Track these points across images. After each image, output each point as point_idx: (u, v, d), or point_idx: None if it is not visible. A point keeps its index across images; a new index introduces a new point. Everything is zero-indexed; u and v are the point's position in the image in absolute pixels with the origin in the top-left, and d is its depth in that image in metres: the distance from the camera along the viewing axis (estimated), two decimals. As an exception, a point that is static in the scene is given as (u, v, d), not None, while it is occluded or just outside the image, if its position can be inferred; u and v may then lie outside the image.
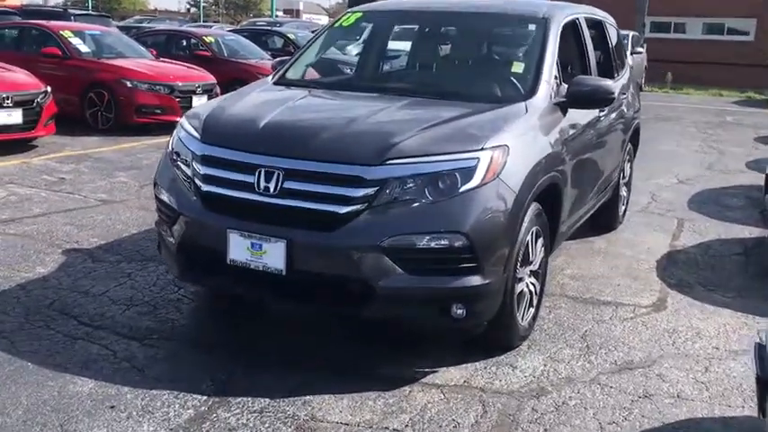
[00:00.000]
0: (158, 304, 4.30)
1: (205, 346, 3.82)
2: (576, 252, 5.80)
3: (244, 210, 3.46)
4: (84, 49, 11.16)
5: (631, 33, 21.20)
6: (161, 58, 12.24)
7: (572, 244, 5.94)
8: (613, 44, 6.10)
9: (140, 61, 11.39)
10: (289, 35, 17.50)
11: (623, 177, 6.40)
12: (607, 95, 4.28)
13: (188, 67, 11.76)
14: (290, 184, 3.37)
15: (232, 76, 12.61)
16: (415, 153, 3.37)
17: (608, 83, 4.30)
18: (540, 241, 4.00)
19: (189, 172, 3.69)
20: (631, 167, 6.71)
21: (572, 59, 5.10)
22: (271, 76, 4.84)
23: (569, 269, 5.38)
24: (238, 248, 3.42)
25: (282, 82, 4.67)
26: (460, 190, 3.32)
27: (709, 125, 14.48)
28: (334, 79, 5.09)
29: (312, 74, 5.10)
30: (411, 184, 3.31)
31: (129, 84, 10.44)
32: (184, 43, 14.25)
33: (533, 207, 3.75)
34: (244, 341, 3.91)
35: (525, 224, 3.63)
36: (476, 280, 3.34)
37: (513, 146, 3.54)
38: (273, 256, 3.35)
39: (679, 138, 12.50)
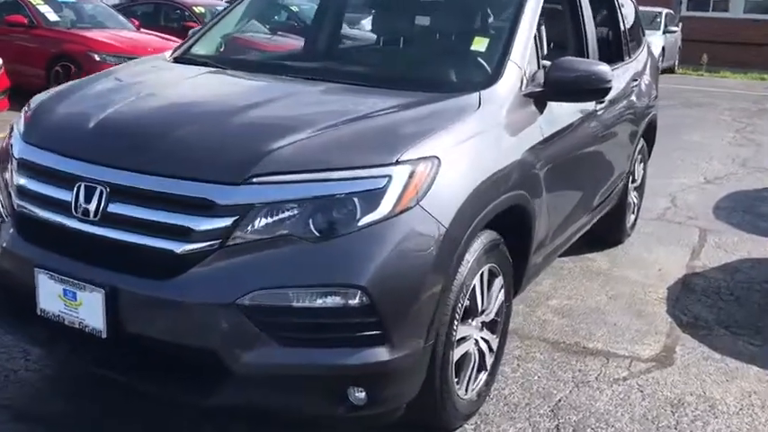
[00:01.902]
0: None
1: (30, 419, 2.84)
2: (568, 274, 4.72)
3: (57, 241, 2.45)
4: (53, 17, 10.23)
5: (665, 11, 19.79)
6: (143, 30, 11.28)
7: (565, 262, 4.86)
8: (625, 19, 4.95)
9: (116, 33, 10.45)
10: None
11: (633, 181, 5.28)
12: (600, 84, 3.18)
13: (167, 39, 10.76)
14: (115, 207, 2.35)
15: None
16: (296, 167, 2.32)
17: (601, 68, 3.19)
18: (498, 282, 2.95)
19: (8, 181, 2.69)
20: (645, 168, 5.57)
21: (564, 36, 3.99)
22: (171, 51, 3.82)
23: (556, 298, 4.31)
24: (49, 295, 2.42)
25: (183, 58, 3.64)
26: (360, 223, 2.27)
27: (746, 113, 13.13)
28: (254, 57, 4.02)
29: (237, 48, 4.08)
30: (287, 214, 2.27)
31: (97, 57, 9.48)
32: (174, 14, 13.25)
33: (483, 239, 2.70)
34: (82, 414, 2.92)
35: (467, 265, 2.59)
36: (381, 353, 2.30)
37: (447, 157, 2.48)
38: (90, 310, 2.34)
39: (710, 127, 11.22)
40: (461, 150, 2.58)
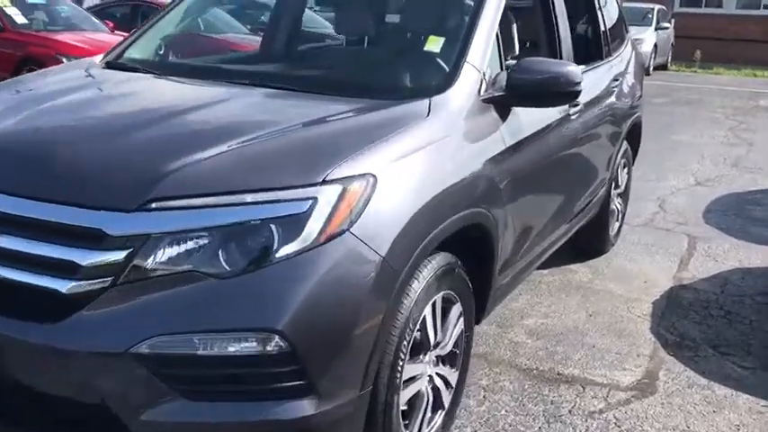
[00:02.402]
0: None
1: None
2: (546, 288, 4.40)
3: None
4: (20, 20, 9.90)
5: (657, 7, 19.47)
6: (117, 32, 10.93)
7: (544, 274, 4.55)
8: (605, 16, 4.63)
9: (87, 35, 10.11)
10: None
11: (617, 187, 4.97)
12: (568, 87, 2.85)
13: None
14: (-7, 238, 2.02)
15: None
16: (203, 190, 1.99)
17: (570, 68, 2.87)
18: (456, 310, 2.63)
19: None
20: (629, 173, 5.25)
21: (534, 35, 3.68)
22: (103, 55, 3.49)
23: (532, 317, 3.99)
24: None
25: (115, 63, 3.30)
26: (278, 255, 1.95)
27: (739, 111, 12.81)
28: (192, 60, 3.66)
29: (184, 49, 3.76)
30: (192, 245, 1.94)
31: (65, 60, 9.14)
32: (152, 16, 12.88)
33: (435, 263, 2.39)
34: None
35: (414, 295, 2.27)
36: (305, 407, 1.97)
37: (386, 173, 2.16)
38: (-32, 357, 2.01)
39: (702, 126, 10.90)
40: (404, 165, 2.26)
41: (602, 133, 4.24)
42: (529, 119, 3.03)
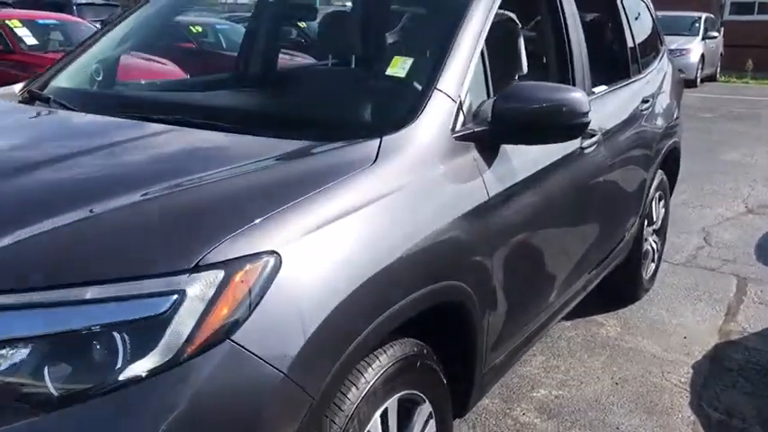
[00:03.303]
0: None
1: None
2: (566, 346, 3.74)
3: None
4: (30, 41, 9.60)
5: (704, 15, 18.54)
6: (132, 52, 10.58)
7: (565, 327, 3.90)
8: (633, 27, 3.97)
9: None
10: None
11: (651, 223, 4.29)
12: (571, 119, 2.22)
13: (154, 61, 10.04)
14: None
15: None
16: (22, 282, 1.42)
17: (573, 95, 2.23)
18: (424, 411, 2.03)
19: None
20: (666, 206, 4.56)
21: (541, 53, 3.06)
22: (25, 82, 2.98)
23: (545, 386, 3.33)
24: None
25: (34, 93, 2.78)
26: (123, 376, 1.36)
27: (795, 125, 11.90)
28: (112, 90, 3.06)
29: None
30: (4, 365, 1.38)
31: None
32: (172, 34, 12.54)
33: (388, 357, 1.80)
34: None
35: (349, 409, 1.68)
36: None
37: (298, 250, 1.56)
38: None
39: (753, 144, 10.04)
40: (330, 235, 1.65)
41: (630, 166, 3.58)
42: (524, 159, 2.40)
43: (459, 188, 2.10)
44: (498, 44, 2.60)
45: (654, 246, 4.42)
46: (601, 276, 3.55)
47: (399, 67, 2.27)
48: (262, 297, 1.47)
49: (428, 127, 2.06)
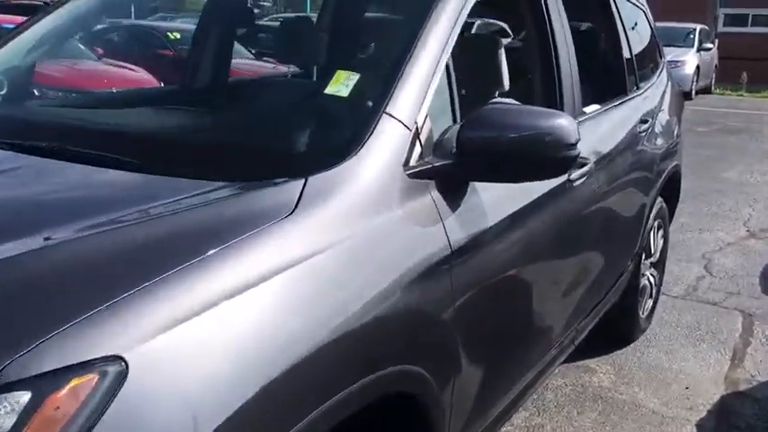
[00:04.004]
0: None
1: None
2: (553, 399, 3.28)
3: None
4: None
5: (699, 27, 18.21)
6: (105, 60, 10.15)
7: (554, 376, 3.43)
8: (631, 38, 3.53)
9: (67, 63, 9.31)
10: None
11: (648, 256, 3.84)
12: (555, 152, 1.77)
13: (131, 69, 9.62)
14: None
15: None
16: None
17: (560, 122, 1.78)
18: None
19: None
20: (666, 236, 4.11)
21: (523, 64, 2.62)
22: None
23: (528, 451, 2.88)
24: None
25: None
26: None
27: (794, 140, 11.51)
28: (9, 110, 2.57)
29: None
30: None
31: (35, 92, 8.34)
32: (149, 41, 12.09)
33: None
34: None
35: None
36: None
37: (159, 350, 1.10)
38: None
39: (751, 160, 9.63)
40: (212, 323, 1.19)
41: (627, 196, 3.15)
42: (497, 197, 1.95)
43: (412, 240, 1.65)
44: (473, 57, 2.16)
45: (652, 280, 3.97)
46: (594, 322, 3.10)
47: (342, 83, 1.81)
48: (93, 426, 1.01)
49: (372, 162, 1.60)
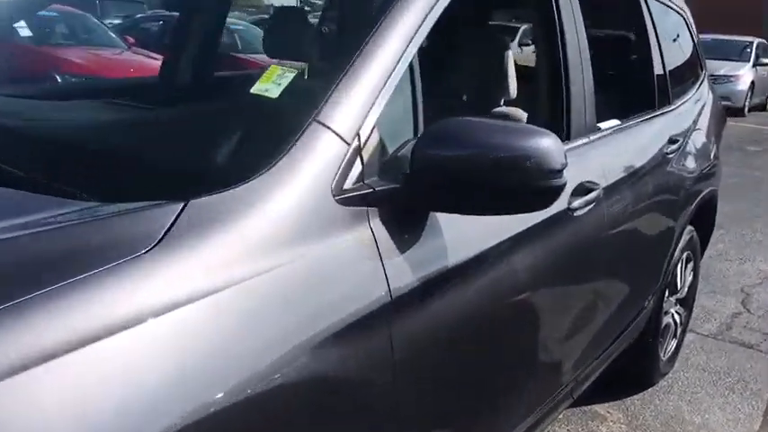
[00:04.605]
0: None
1: None
2: (552, 452, 2.90)
3: None
4: (24, 32, 9.00)
5: (757, 41, 17.42)
6: (135, 49, 10.01)
7: (555, 421, 3.04)
8: (665, 48, 3.12)
9: (95, 51, 9.21)
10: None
11: (674, 292, 3.43)
12: (537, 179, 1.41)
13: (151, 58, 9.44)
14: None
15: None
16: None
17: (542, 142, 1.41)
18: None
19: None
20: (696, 269, 3.68)
21: (522, 69, 2.25)
22: None
23: None
24: None
25: None
26: None
27: None
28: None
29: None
30: None
31: (58, 77, 8.23)
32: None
33: None
34: None
35: None
36: None
37: None
38: None
39: (806, 184, 9.04)
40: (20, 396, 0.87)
41: (646, 226, 2.74)
42: (465, 229, 1.58)
43: (336, 285, 1.29)
44: (473, 57, 1.81)
45: (677, 318, 3.54)
46: (600, 371, 2.71)
47: (273, 81, 1.46)
48: None
49: (289, 182, 1.25)
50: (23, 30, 9.10)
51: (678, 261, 3.29)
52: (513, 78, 2.43)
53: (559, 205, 1.95)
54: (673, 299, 3.43)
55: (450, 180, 1.40)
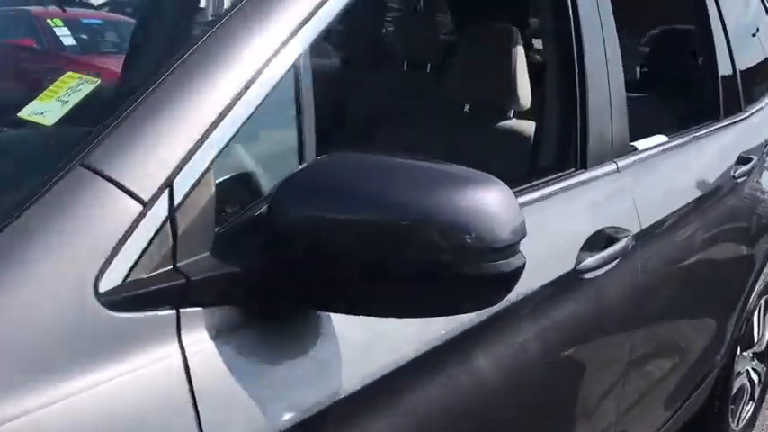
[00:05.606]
0: None
1: None
2: None
3: None
4: (68, 41, 8.86)
5: None
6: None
7: None
8: (734, 40, 2.44)
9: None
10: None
11: (750, 346, 2.75)
12: (473, 266, 0.83)
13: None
14: None
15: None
16: None
17: (483, 201, 0.83)
18: None
19: None
20: (780, 315, 2.97)
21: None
22: None
23: None
24: None
25: None
26: None
27: None
28: None
29: None
30: None
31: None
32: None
33: None
34: None
35: None
36: None
37: None
38: None
39: None
40: None
41: (706, 272, 2.09)
42: (376, 330, 1.01)
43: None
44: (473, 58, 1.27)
45: (755, 377, 2.85)
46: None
47: (60, 97, 0.93)
48: None
49: (24, 271, 0.73)
50: (67, 38, 9.00)
51: (755, 309, 2.62)
52: (524, 83, 1.89)
53: (567, 264, 1.36)
54: (747, 354, 2.74)
55: (326, 260, 0.84)
